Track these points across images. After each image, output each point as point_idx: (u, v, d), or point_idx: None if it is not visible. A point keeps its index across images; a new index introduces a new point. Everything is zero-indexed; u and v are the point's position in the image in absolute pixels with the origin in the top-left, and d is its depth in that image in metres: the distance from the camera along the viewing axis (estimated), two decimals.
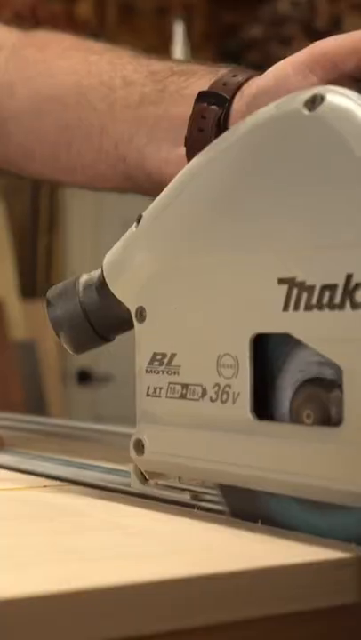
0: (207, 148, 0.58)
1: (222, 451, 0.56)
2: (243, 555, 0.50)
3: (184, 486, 0.60)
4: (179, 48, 2.62)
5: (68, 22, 3.68)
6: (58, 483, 0.71)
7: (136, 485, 0.63)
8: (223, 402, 0.56)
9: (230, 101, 0.68)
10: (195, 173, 0.58)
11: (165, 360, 0.60)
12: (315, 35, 3.95)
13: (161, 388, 0.60)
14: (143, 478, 0.62)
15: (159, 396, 0.60)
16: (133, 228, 0.62)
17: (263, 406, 0.55)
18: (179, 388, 0.59)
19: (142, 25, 3.99)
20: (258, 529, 0.54)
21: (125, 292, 0.62)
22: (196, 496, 0.60)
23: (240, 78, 0.69)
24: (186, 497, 0.60)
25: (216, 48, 4.09)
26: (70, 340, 0.66)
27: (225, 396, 0.56)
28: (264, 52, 4.33)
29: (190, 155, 0.70)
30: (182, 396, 0.58)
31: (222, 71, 0.71)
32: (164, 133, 0.73)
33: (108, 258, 0.64)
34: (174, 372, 0.59)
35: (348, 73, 0.62)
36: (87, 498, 0.65)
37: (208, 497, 0.60)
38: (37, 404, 3.06)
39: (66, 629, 0.41)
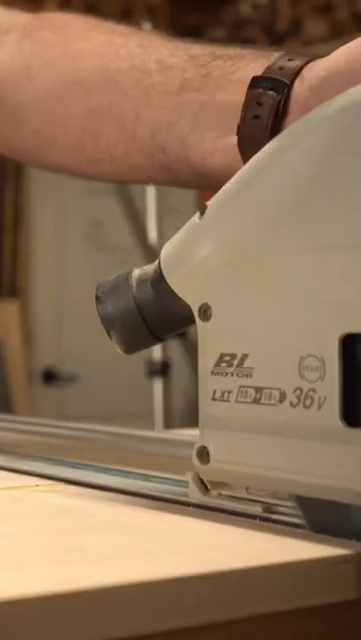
0: (286, 132, 0.54)
1: (305, 460, 0.51)
2: (243, 552, 0.49)
3: (254, 497, 0.56)
4: None
5: None
6: (49, 482, 0.69)
7: (196, 495, 0.58)
8: (306, 407, 0.51)
9: (290, 86, 0.63)
10: (273, 158, 0.53)
11: (235, 361, 0.55)
12: (276, 37, 3.95)
13: (230, 392, 0.55)
14: (204, 488, 0.58)
15: (227, 401, 0.56)
16: (196, 219, 0.57)
17: (353, 412, 0.50)
18: (252, 391, 0.54)
19: None
20: (257, 527, 0.53)
21: (186, 288, 0.58)
22: (268, 508, 0.55)
23: (298, 62, 0.64)
24: (257, 509, 0.55)
25: None
26: (122, 339, 0.61)
27: (308, 401, 0.51)
28: None
29: (243, 144, 0.65)
30: (256, 401, 0.54)
31: (275, 55, 0.66)
32: (209, 121, 0.68)
33: (165, 250, 0.59)
34: (246, 375, 0.55)
35: None
36: (83, 497, 0.63)
37: (281, 509, 0.55)
38: (3, 404, 3.00)
39: (66, 629, 0.41)
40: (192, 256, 0.57)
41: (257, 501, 0.56)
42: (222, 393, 0.56)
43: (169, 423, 2.78)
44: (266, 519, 0.55)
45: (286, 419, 0.52)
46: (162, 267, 0.59)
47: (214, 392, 0.56)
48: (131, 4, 4.09)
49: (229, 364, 0.55)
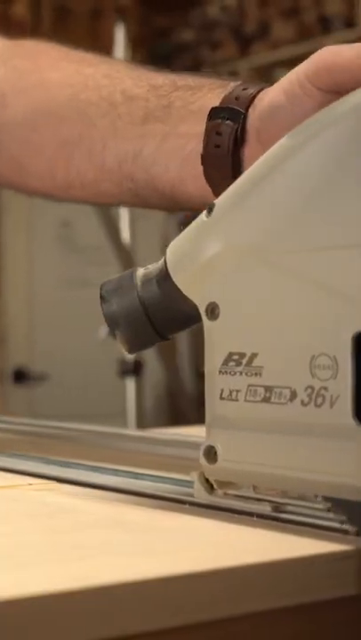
0: (297, 130, 0.54)
1: (316, 458, 0.52)
2: (242, 550, 0.49)
3: (261, 497, 0.56)
4: (120, 51, 2.58)
5: (3, 22, 3.65)
6: (42, 481, 0.69)
7: (201, 495, 0.58)
8: (318, 406, 0.51)
9: (245, 115, 0.66)
10: (285, 156, 0.53)
11: (244, 360, 0.55)
12: (244, 39, 3.96)
13: (238, 391, 0.55)
14: (210, 488, 0.58)
15: (236, 400, 0.55)
16: (204, 217, 0.57)
17: None
18: (261, 390, 0.54)
19: (77, 26, 3.97)
20: (258, 524, 0.54)
21: (193, 287, 0.58)
22: (277, 507, 0.55)
23: (252, 91, 0.67)
24: (266, 508, 0.55)
25: (148, 51, 4.08)
26: (127, 338, 0.61)
27: (320, 400, 0.51)
28: (195, 56, 4.32)
29: (208, 172, 0.67)
30: (265, 400, 0.54)
31: (232, 85, 0.68)
32: (172, 151, 0.71)
33: (172, 249, 0.59)
34: (255, 374, 0.54)
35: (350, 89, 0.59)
36: (79, 496, 0.64)
37: (290, 508, 0.55)
38: None
39: (67, 628, 0.41)
40: (199, 254, 0.57)
41: (264, 500, 0.56)
42: (230, 392, 0.56)
43: (141, 423, 2.78)
44: (265, 517, 0.55)
45: (297, 417, 0.52)
46: (168, 265, 0.59)
47: (222, 391, 0.56)
48: (100, 4, 4.09)
49: (238, 363, 0.55)
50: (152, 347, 0.62)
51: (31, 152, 0.83)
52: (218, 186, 0.65)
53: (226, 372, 0.56)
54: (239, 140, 0.66)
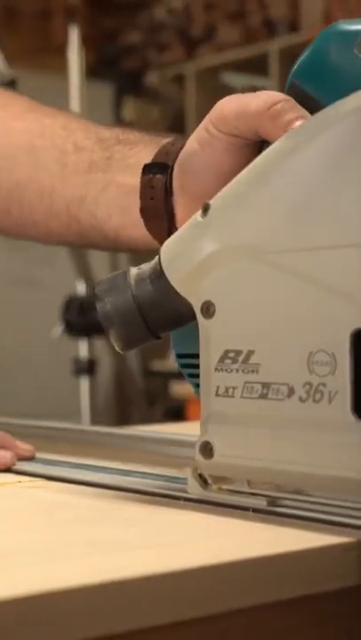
0: (294, 131, 0.55)
1: (315, 453, 0.53)
2: (246, 543, 0.50)
3: (257, 491, 0.57)
4: (74, 52, 2.58)
5: None
6: (29, 478, 0.70)
7: (196, 491, 0.59)
8: (316, 401, 0.53)
9: (172, 167, 0.72)
10: (282, 158, 0.55)
11: (240, 358, 0.56)
12: (190, 42, 3.96)
13: (235, 388, 0.56)
14: (204, 483, 0.59)
15: (232, 397, 0.56)
16: (199, 217, 0.58)
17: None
18: (258, 387, 0.55)
19: (26, 27, 3.97)
20: (254, 518, 0.55)
21: (188, 286, 0.59)
22: (272, 501, 0.56)
23: (178, 145, 0.73)
24: (261, 503, 0.56)
25: (96, 53, 4.08)
26: (121, 336, 0.61)
27: (318, 396, 0.53)
28: (142, 58, 4.34)
29: (148, 222, 0.73)
30: (263, 396, 0.55)
31: (163, 142, 0.75)
32: (112, 200, 0.77)
33: (166, 249, 0.60)
34: (252, 371, 0.56)
35: (244, 135, 0.65)
36: (72, 493, 0.64)
37: (285, 502, 0.56)
38: None
39: (67, 627, 0.41)
40: (195, 254, 0.58)
41: (259, 495, 0.57)
42: (226, 389, 0.57)
43: (93, 422, 2.77)
44: (261, 511, 0.56)
45: (295, 413, 0.53)
46: (162, 265, 0.60)
47: (218, 388, 0.57)
48: (49, 5, 4.09)
49: (234, 361, 0.56)
50: (144, 345, 0.62)
51: None
52: (158, 233, 0.72)
53: (222, 369, 0.57)
54: (169, 190, 0.72)
